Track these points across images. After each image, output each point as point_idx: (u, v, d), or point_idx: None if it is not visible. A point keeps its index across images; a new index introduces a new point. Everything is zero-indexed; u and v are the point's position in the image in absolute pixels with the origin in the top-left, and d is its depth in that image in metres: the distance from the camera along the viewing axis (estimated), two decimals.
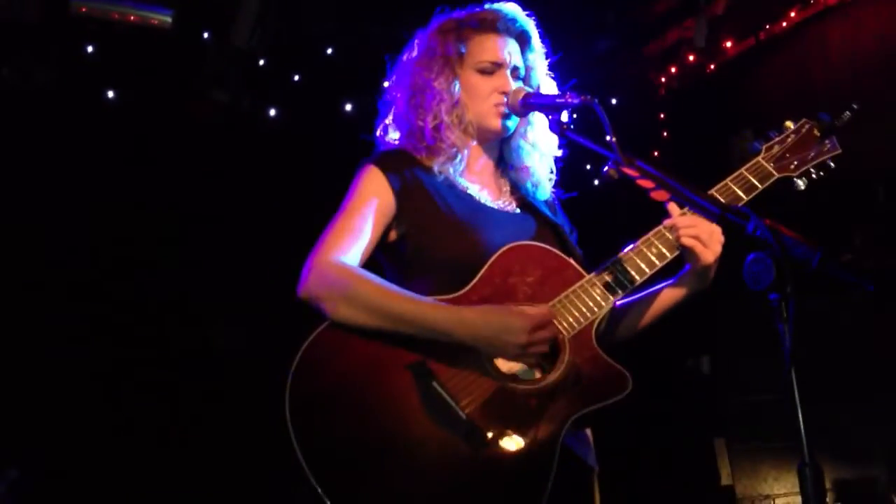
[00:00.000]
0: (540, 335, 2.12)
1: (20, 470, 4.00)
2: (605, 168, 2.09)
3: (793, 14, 5.30)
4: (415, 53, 2.50)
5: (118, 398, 4.59)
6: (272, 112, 5.27)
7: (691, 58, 5.78)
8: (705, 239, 2.24)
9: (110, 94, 4.86)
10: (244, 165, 5.12)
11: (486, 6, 2.48)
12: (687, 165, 2.14)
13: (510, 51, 2.46)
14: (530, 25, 2.50)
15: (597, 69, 5.65)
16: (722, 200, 2.21)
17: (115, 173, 4.84)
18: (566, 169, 2.56)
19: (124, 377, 4.64)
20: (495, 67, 2.44)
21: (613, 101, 5.65)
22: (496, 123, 2.43)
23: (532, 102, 2.37)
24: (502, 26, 2.47)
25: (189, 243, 4.97)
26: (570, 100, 2.24)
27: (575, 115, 2.37)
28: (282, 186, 5.14)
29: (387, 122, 2.53)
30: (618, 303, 2.33)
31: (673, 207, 2.28)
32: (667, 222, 2.29)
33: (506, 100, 2.41)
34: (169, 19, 4.67)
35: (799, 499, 5.40)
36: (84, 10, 4.64)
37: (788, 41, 5.35)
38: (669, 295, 2.41)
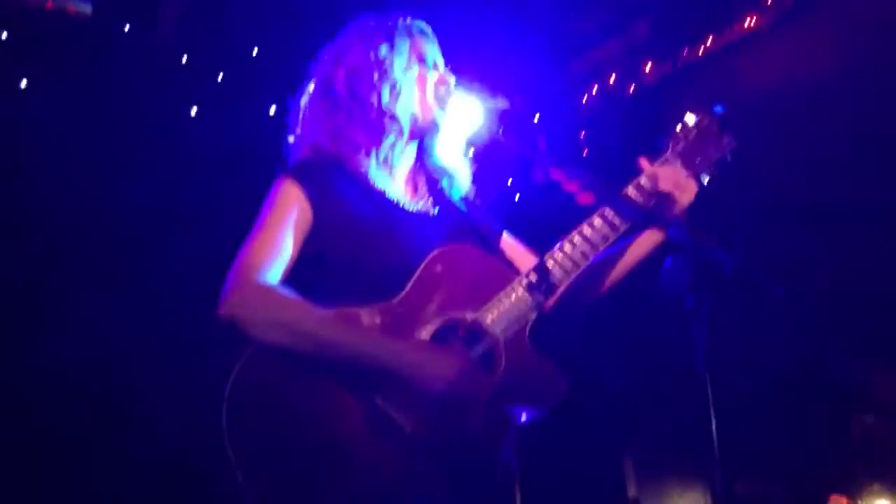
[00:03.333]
0: (461, 388, 2.11)
1: None
2: (533, 172, 2.12)
3: (709, 42, 5.48)
4: (351, 43, 2.51)
5: None
6: (193, 111, 5.17)
7: (612, 78, 5.91)
8: (681, 185, 2.30)
9: (23, 83, 4.70)
10: (163, 162, 5.00)
11: (416, 20, 2.57)
12: (605, 180, 2.19)
13: (440, 57, 2.57)
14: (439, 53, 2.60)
15: (521, 86, 5.73)
16: (640, 202, 2.26)
17: (25, 168, 4.68)
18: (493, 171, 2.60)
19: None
20: (436, 61, 2.53)
21: (536, 117, 5.74)
22: (434, 114, 2.46)
23: None
24: (431, 42, 2.57)
25: (101, 240, 4.82)
26: (501, 104, 2.28)
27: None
28: (200, 187, 5.05)
29: (304, 101, 2.52)
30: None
31: (644, 162, 2.34)
32: (645, 172, 2.33)
33: (437, 96, 2.46)
34: (88, 8, 4.55)
35: None
36: None
37: (706, 66, 5.53)
38: (636, 250, 2.42)
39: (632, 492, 5.93)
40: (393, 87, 2.41)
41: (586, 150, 6.09)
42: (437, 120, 2.46)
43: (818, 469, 4.94)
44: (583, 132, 6.19)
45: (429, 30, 2.58)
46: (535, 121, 2.16)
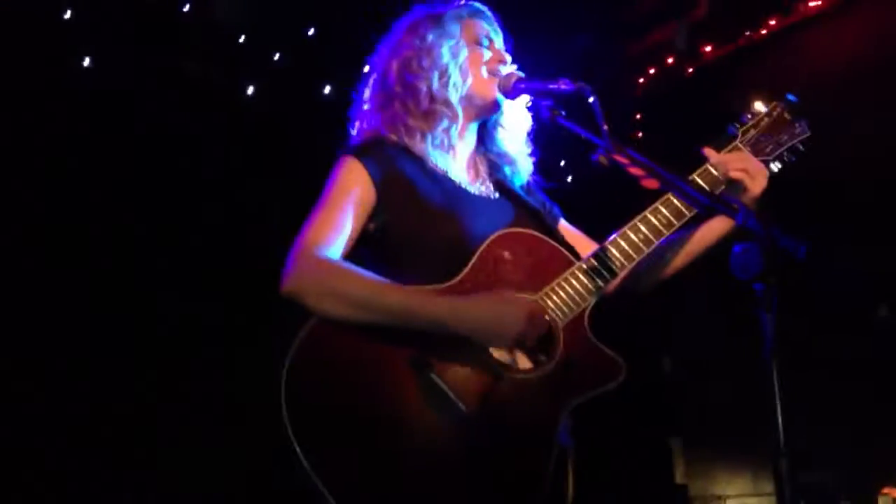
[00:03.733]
0: (535, 324, 2.14)
1: None
2: (596, 156, 2.10)
3: (773, 22, 5.37)
4: (403, 35, 2.51)
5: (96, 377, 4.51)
6: (249, 90, 5.22)
7: (670, 60, 5.83)
8: (753, 172, 2.27)
9: (85, 62, 4.78)
10: (218, 141, 5.07)
11: (470, 2, 2.56)
12: (670, 165, 2.17)
13: (496, 36, 2.55)
14: (499, 32, 2.58)
15: (574, 67, 5.67)
16: (708, 189, 2.22)
17: (83, 143, 4.76)
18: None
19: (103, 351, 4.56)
20: (490, 41, 2.51)
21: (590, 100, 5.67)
22: (492, 93, 2.45)
23: (524, 86, 2.40)
24: (488, 21, 2.56)
25: (159, 219, 4.90)
26: (563, 86, 2.24)
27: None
28: (256, 164, 5.10)
29: (366, 93, 2.53)
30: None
31: (709, 151, 2.32)
32: (713, 160, 2.31)
33: (498, 79, 2.44)
34: None
35: (749, 500, 5.46)
36: None
37: (767, 48, 5.43)
38: (704, 236, 2.41)
39: (679, 477, 5.91)
40: (443, 72, 2.40)
41: (641, 133, 6.04)
42: (496, 98, 2.45)
43: (872, 461, 4.88)
44: (637, 115, 6.14)
45: (484, 10, 2.55)
46: (592, 102, 2.12)
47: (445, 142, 2.42)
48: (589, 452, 2.33)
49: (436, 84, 2.39)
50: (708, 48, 5.71)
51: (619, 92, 6.01)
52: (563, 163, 5.68)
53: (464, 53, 2.44)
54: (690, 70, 5.85)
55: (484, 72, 2.45)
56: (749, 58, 5.53)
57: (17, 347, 4.30)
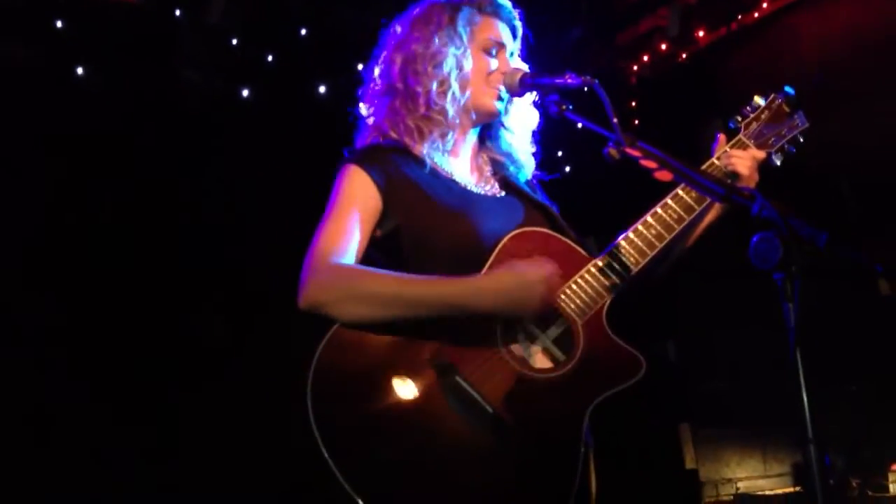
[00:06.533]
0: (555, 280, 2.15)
1: None
2: (606, 149, 2.09)
3: (765, 5, 5.37)
4: (416, 23, 2.45)
5: (102, 391, 4.50)
6: (245, 92, 5.20)
7: (664, 46, 5.83)
8: (751, 166, 2.33)
9: (80, 70, 4.76)
10: (215, 145, 5.05)
11: None
12: (680, 159, 2.17)
13: (508, 37, 2.49)
14: (518, 20, 2.52)
15: (568, 57, 5.67)
16: (717, 181, 2.21)
17: (81, 152, 4.74)
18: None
19: (109, 368, 4.54)
20: (499, 48, 2.45)
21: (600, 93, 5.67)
22: (491, 104, 2.42)
23: (529, 82, 2.36)
24: (504, 14, 2.50)
25: (160, 225, 4.88)
26: (570, 80, 2.21)
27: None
28: (253, 167, 5.09)
29: (375, 71, 2.48)
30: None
31: (722, 139, 2.38)
32: (721, 153, 2.36)
33: (503, 79, 2.40)
34: None
35: (760, 482, 5.47)
36: None
37: (760, 32, 5.43)
38: (706, 220, 2.43)
39: (689, 462, 5.92)
40: (442, 81, 2.36)
41: (637, 121, 6.04)
42: (496, 110, 2.43)
43: (881, 439, 4.90)
44: (632, 103, 6.13)
45: (505, 4, 2.48)
46: (602, 95, 2.11)
47: (442, 146, 2.40)
48: (597, 441, 2.33)
49: (434, 92, 2.36)
50: (700, 33, 5.71)
51: (612, 80, 6.00)
52: (560, 153, 5.68)
53: (468, 64, 2.39)
54: (684, 55, 5.85)
55: (485, 83, 2.41)
56: (742, 41, 5.53)
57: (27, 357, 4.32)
